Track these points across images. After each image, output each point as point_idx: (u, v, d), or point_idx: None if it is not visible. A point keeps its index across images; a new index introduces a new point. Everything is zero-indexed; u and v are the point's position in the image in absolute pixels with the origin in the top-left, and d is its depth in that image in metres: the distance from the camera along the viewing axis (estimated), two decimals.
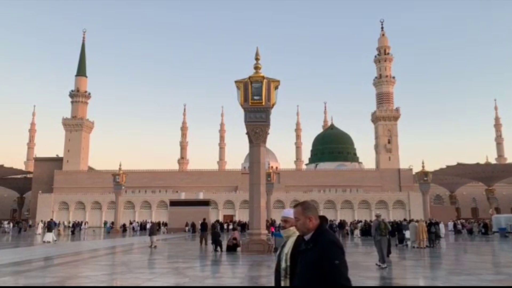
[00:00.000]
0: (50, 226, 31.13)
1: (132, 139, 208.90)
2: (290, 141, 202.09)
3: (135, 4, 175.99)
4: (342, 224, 41.17)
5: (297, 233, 3.42)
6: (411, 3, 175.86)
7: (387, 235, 16.15)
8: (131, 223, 58.99)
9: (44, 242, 29.02)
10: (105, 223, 71.98)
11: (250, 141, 21.35)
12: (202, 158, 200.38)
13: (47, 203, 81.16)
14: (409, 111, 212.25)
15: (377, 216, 16.59)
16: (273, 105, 21.26)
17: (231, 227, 50.43)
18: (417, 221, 26.18)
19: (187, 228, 48.89)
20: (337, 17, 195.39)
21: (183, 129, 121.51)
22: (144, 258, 19.32)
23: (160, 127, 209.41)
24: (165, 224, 57.71)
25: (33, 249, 25.89)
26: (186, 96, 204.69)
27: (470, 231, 44.16)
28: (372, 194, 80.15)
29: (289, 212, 3.56)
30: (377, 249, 15.37)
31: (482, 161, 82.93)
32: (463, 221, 53.87)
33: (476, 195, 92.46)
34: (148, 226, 58.09)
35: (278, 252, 3.66)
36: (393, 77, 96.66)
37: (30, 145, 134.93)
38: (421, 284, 12.15)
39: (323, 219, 3.27)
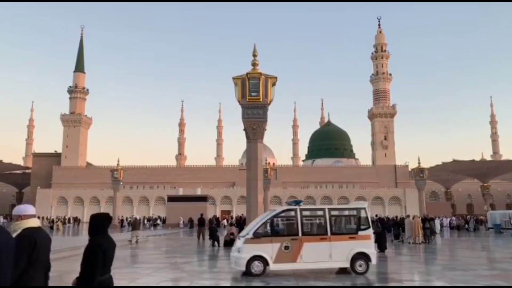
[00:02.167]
0: None
1: (130, 135, 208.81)
2: (287, 137, 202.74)
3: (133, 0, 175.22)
4: None
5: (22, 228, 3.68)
6: (409, 1, 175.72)
7: None
8: (126, 219, 59.05)
9: None
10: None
11: (248, 137, 21.46)
12: (199, 154, 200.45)
13: (46, 199, 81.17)
14: (406, 108, 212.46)
15: None
16: (270, 101, 21.36)
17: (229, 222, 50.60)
18: (412, 217, 26.40)
19: (181, 223, 49.14)
20: (334, 14, 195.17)
21: (181, 125, 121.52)
22: (142, 253, 19.46)
23: (158, 123, 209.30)
24: (164, 221, 57.89)
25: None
26: (184, 92, 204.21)
27: (458, 228, 44.47)
28: (368, 190, 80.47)
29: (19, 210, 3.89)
30: None
31: (478, 158, 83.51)
32: (454, 218, 54.16)
33: (471, 191, 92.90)
34: (145, 221, 58.40)
35: None
36: (390, 74, 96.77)
37: (29, 140, 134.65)
38: (416, 279, 12.34)
39: None
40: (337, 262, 11.58)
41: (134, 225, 26.29)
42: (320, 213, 12.24)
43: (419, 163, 44.94)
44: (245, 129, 21.43)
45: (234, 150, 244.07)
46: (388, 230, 27.14)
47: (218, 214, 65.87)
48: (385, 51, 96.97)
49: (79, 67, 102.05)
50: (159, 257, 17.78)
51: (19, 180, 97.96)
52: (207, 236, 24.60)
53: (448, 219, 49.88)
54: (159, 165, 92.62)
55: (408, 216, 27.82)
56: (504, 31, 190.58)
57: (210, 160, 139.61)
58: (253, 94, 21.03)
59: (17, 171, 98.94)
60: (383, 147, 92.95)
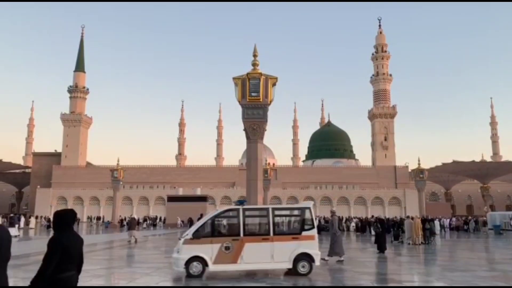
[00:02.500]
0: (13, 221, 31.51)
1: (130, 135, 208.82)
2: (287, 137, 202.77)
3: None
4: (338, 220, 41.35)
5: None
6: (409, 1, 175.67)
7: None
8: (124, 219, 59.14)
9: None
10: (98, 218, 72.34)
11: (248, 138, 21.47)
12: (199, 154, 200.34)
13: (46, 198, 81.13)
14: (406, 109, 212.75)
15: (333, 212, 16.93)
16: (270, 101, 21.36)
17: None
18: (412, 218, 26.40)
19: (179, 223, 49.25)
20: (335, 14, 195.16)
21: (181, 125, 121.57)
22: (141, 253, 19.47)
23: (158, 123, 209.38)
24: (164, 220, 57.88)
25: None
26: (184, 92, 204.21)
27: (458, 229, 44.44)
28: (368, 190, 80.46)
29: None
30: (336, 244, 15.52)
31: (478, 159, 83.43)
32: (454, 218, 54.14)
33: (471, 192, 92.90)
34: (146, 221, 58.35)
35: None
36: (390, 75, 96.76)
37: (29, 140, 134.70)
38: (416, 279, 12.33)
39: None
40: (279, 263, 11.34)
41: (131, 225, 26.47)
42: (263, 213, 11.99)
43: (419, 164, 44.99)
44: (245, 129, 21.43)
45: (234, 150, 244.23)
46: (387, 231, 27.13)
47: None
48: (385, 51, 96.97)
49: (79, 66, 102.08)
50: (159, 256, 17.77)
51: (19, 180, 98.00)
52: None
53: (448, 220, 49.86)
54: (159, 165, 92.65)
55: (408, 217, 27.81)
56: (504, 32, 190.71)
57: (210, 160, 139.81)
58: (253, 94, 21.04)
59: (17, 171, 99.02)
60: (383, 147, 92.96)
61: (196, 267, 10.93)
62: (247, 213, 11.66)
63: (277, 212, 12.21)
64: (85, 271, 12.41)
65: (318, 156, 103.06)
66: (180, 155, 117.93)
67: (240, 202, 12.03)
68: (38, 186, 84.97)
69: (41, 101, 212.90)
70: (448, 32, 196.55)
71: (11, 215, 39.05)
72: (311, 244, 11.56)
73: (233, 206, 12.00)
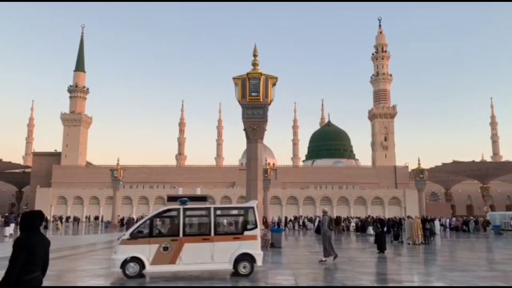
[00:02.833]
0: (8, 220, 31.60)
1: (130, 135, 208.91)
2: (287, 137, 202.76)
3: None
4: (337, 220, 41.39)
5: None
6: (409, 1, 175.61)
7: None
8: (123, 219, 59.09)
9: (4, 236, 29.08)
10: (96, 218, 72.32)
11: (248, 138, 21.47)
12: (199, 154, 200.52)
13: (45, 198, 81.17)
14: (406, 109, 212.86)
15: (325, 212, 16.91)
16: (270, 101, 21.36)
17: None
18: (408, 217, 26.39)
19: None
20: (335, 14, 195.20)
21: (181, 125, 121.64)
22: None
23: (158, 123, 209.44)
24: None
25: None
26: (184, 92, 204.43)
27: (457, 229, 44.42)
28: (368, 190, 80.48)
29: None
30: (327, 243, 15.50)
31: (478, 159, 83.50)
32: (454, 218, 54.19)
33: (471, 192, 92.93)
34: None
35: None
36: (390, 75, 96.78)
37: (29, 139, 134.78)
38: (416, 280, 12.32)
39: None
40: (219, 264, 11.12)
41: (129, 224, 26.54)
42: (205, 212, 11.73)
43: (419, 164, 44.97)
44: (245, 129, 21.43)
45: (234, 150, 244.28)
46: (387, 231, 27.14)
47: None
48: (385, 51, 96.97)
49: (80, 66, 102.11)
50: None
51: (19, 179, 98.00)
52: None
53: (447, 220, 49.89)
54: (159, 165, 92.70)
55: (409, 217, 27.80)
56: (504, 32, 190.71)
57: (210, 160, 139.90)
58: (253, 94, 21.03)
59: (17, 170, 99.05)
60: (383, 147, 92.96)
61: (132, 267, 10.65)
62: (188, 213, 11.43)
63: (219, 212, 12.03)
64: (85, 271, 12.44)
65: (318, 156, 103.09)
66: (180, 155, 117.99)
67: (183, 201, 11.71)
68: (38, 186, 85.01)
69: (41, 101, 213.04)
70: (448, 32, 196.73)
71: (6, 214, 39.11)
72: (253, 244, 11.31)
73: (173, 206, 11.76)
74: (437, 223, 38.03)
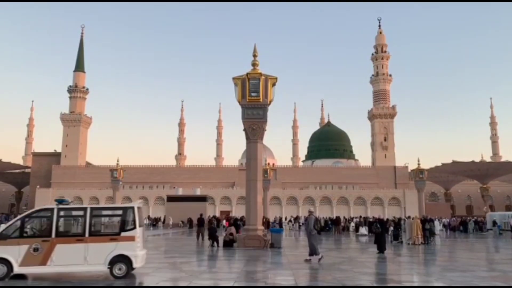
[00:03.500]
0: (0, 220, 31.68)
1: (130, 135, 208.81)
2: (287, 138, 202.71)
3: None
4: (337, 220, 41.44)
5: None
6: (408, 1, 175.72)
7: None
8: None
9: None
10: None
11: (247, 138, 21.49)
12: (199, 154, 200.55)
13: (45, 198, 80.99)
14: (406, 109, 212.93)
15: (311, 212, 16.96)
16: (270, 102, 21.40)
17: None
18: (411, 218, 26.39)
19: (170, 223, 49.53)
20: (335, 14, 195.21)
21: (181, 125, 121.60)
22: None
23: (158, 123, 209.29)
24: (164, 221, 57.80)
25: None
26: (184, 92, 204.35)
27: (454, 229, 44.47)
28: (368, 191, 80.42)
29: None
30: (313, 243, 15.53)
31: (477, 159, 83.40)
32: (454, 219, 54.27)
33: (471, 192, 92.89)
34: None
35: None
36: (390, 75, 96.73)
37: (28, 140, 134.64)
38: (415, 280, 12.33)
39: None
40: (93, 265, 10.83)
41: None
42: (80, 213, 11.53)
43: (418, 164, 45.03)
44: (245, 130, 21.46)
45: (234, 150, 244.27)
46: (387, 231, 27.12)
47: (218, 215, 65.84)
48: (385, 52, 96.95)
49: (79, 66, 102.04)
50: (158, 256, 17.77)
51: (19, 179, 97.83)
52: (206, 236, 24.60)
53: (448, 220, 49.94)
54: (159, 165, 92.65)
55: (409, 217, 27.83)
56: (504, 32, 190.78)
57: (210, 160, 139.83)
58: (253, 94, 21.07)
59: (17, 170, 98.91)
60: (383, 148, 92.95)
61: (0, 269, 10.31)
62: (62, 213, 11.18)
63: (96, 212, 11.84)
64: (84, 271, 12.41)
65: (318, 156, 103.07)
66: (179, 155, 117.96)
67: (59, 201, 11.55)
68: (38, 186, 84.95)
69: (41, 101, 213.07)
70: (448, 32, 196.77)
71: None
72: (130, 246, 11.04)
73: (47, 206, 11.57)
74: (437, 223, 38.08)
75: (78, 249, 10.73)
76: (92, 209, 11.49)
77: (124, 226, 11.27)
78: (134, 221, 11.28)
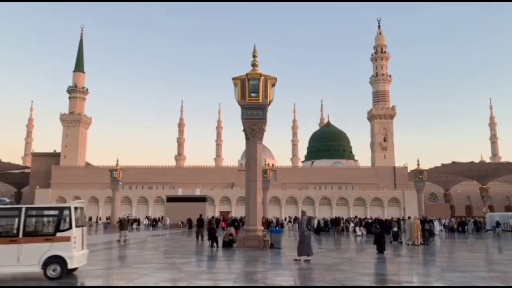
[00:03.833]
0: None
1: (130, 135, 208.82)
2: (286, 138, 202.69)
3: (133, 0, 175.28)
4: (337, 220, 41.42)
5: None
6: (408, 1, 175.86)
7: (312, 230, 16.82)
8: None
9: None
10: (90, 218, 72.07)
11: (247, 138, 21.49)
12: (199, 155, 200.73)
13: (45, 198, 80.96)
14: (405, 110, 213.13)
15: (303, 212, 17.00)
16: (270, 102, 21.39)
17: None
18: (410, 218, 26.37)
19: (167, 223, 49.45)
20: (334, 15, 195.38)
21: (181, 125, 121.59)
22: (141, 253, 19.44)
23: (157, 123, 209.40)
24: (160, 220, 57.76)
25: None
26: (184, 92, 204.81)
27: (452, 230, 44.44)
28: (368, 191, 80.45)
29: None
30: (306, 243, 15.52)
31: (477, 160, 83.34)
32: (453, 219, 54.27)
33: (470, 193, 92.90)
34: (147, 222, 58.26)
35: None
36: (390, 76, 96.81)
37: (28, 140, 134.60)
38: (415, 280, 12.33)
39: None
40: (27, 267, 10.67)
41: (122, 225, 26.71)
42: (14, 213, 11.27)
43: (418, 164, 44.99)
44: (244, 130, 21.45)
45: (234, 151, 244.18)
46: (386, 231, 27.10)
47: (217, 215, 65.87)
48: (385, 52, 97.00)
49: (79, 67, 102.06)
50: (158, 257, 17.77)
51: (18, 180, 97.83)
52: (205, 237, 24.59)
53: (447, 221, 49.90)
54: (158, 165, 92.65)
55: (409, 217, 27.82)
56: (504, 33, 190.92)
57: (210, 160, 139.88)
58: (252, 94, 21.07)
59: (16, 171, 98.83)
60: (383, 148, 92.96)
61: None
62: None
63: (31, 212, 11.65)
64: (84, 271, 12.41)
65: (318, 156, 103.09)
66: (179, 155, 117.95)
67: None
68: (37, 187, 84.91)
69: (41, 101, 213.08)
70: (448, 32, 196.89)
71: None
72: (66, 246, 10.87)
73: None
74: (436, 224, 38.05)
75: (11, 249, 10.56)
76: (27, 209, 11.33)
77: (59, 226, 11.10)
78: (70, 221, 11.09)
